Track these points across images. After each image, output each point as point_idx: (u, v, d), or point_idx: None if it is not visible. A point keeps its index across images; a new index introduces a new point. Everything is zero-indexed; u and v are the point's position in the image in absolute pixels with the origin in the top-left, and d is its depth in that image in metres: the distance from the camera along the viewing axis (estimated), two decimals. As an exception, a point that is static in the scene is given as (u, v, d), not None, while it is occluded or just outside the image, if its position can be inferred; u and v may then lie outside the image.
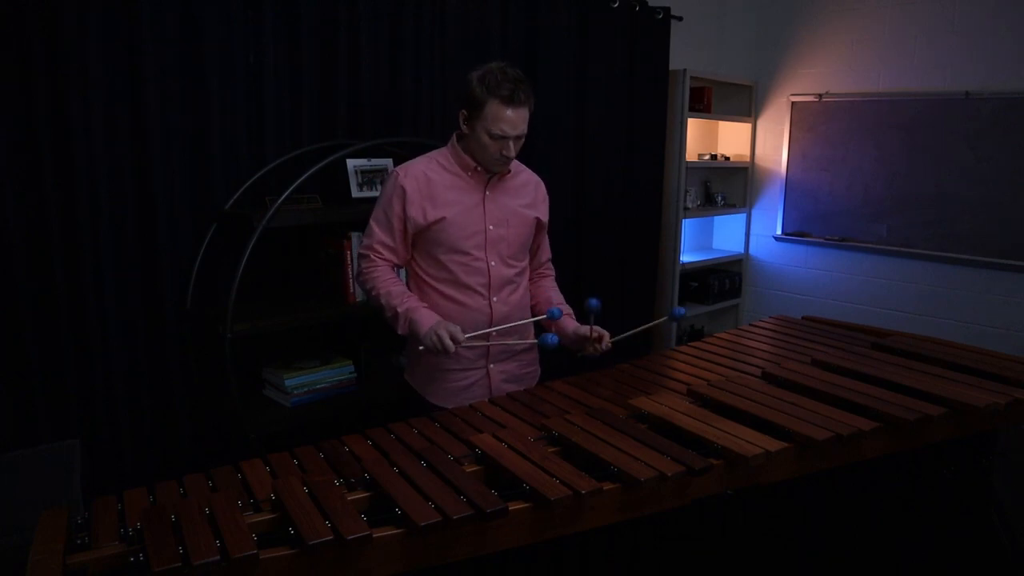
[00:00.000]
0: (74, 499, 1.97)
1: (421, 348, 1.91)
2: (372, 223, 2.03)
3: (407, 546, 1.26)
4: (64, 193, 2.15)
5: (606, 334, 2.04)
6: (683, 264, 4.12)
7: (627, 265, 3.84)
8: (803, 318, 2.79)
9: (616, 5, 3.51)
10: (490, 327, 2.03)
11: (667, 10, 3.78)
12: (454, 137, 2.03)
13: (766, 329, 2.61)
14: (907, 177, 3.90)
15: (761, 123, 4.46)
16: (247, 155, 2.52)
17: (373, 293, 2.01)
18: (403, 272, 2.13)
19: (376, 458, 1.51)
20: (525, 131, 1.94)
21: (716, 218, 4.67)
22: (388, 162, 2.73)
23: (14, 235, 2.08)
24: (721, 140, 4.57)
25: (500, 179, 2.05)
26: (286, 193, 2.36)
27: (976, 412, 1.83)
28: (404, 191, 1.96)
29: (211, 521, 1.23)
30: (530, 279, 2.22)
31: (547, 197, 2.20)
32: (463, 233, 1.99)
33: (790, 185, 4.35)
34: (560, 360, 2.20)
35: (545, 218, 2.17)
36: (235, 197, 2.48)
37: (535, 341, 2.08)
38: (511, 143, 1.92)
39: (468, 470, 1.47)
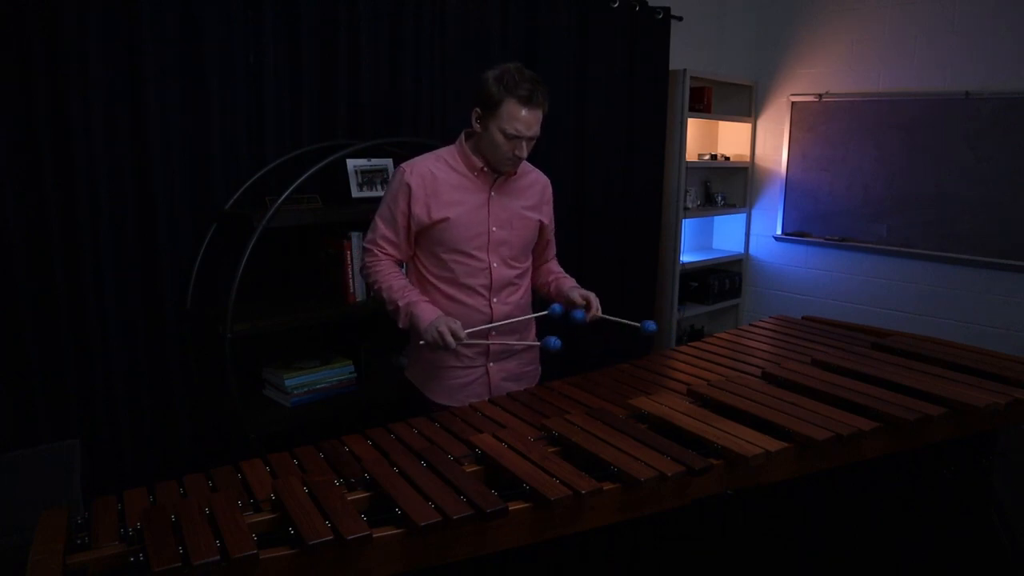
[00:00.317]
0: (74, 499, 1.96)
1: (422, 343, 1.91)
2: (377, 218, 2.04)
3: (407, 546, 1.26)
4: (64, 193, 2.15)
5: (595, 302, 2.06)
6: (683, 264, 4.11)
7: (627, 265, 3.84)
8: (803, 318, 2.79)
9: (616, 5, 3.51)
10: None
11: (667, 10, 3.78)
12: (462, 136, 2.03)
13: (766, 329, 2.62)
14: (907, 177, 3.90)
15: (761, 123, 4.46)
16: (247, 155, 2.52)
17: (376, 287, 2.02)
18: (406, 267, 2.13)
19: (376, 458, 1.51)
20: (538, 133, 1.94)
21: (716, 218, 4.66)
22: (388, 162, 2.73)
23: (14, 235, 2.08)
24: (721, 140, 4.57)
25: (506, 180, 2.05)
26: (286, 193, 2.36)
27: (976, 412, 1.83)
28: (409, 188, 1.96)
29: (211, 521, 1.23)
30: (534, 267, 2.21)
31: (552, 198, 2.19)
32: (466, 234, 1.99)
33: (790, 185, 4.35)
34: (560, 360, 2.20)
35: (548, 220, 2.17)
36: (235, 197, 2.48)
37: (537, 343, 2.09)
38: (524, 143, 1.92)
39: (468, 470, 1.47)
